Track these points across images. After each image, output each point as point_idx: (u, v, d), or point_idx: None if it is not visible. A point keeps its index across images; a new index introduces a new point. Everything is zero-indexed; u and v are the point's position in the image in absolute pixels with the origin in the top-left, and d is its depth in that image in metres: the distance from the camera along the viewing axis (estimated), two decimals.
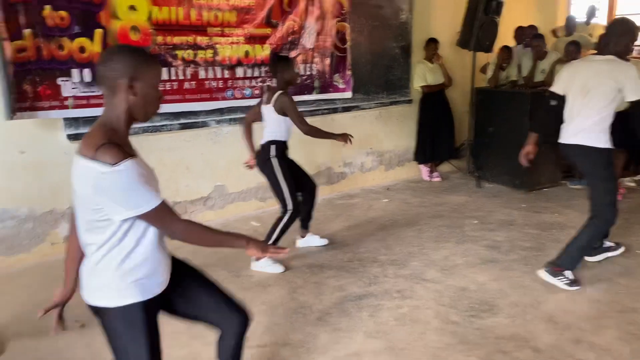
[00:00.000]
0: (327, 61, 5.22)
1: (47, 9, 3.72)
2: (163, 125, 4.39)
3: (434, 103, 6.07)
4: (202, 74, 4.49)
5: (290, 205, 3.71)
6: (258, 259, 3.68)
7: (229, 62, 4.61)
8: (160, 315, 1.84)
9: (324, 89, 5.27)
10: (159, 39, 4.22)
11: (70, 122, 3.99)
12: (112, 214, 1.59)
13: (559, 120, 3.48)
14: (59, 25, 3.79)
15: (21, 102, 3.72)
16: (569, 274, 3.34)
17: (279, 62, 3.72)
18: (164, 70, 4.23)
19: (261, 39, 4.75)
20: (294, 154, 3.88)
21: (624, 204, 4.83)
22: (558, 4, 8.00)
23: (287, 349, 2.78)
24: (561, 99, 3.45)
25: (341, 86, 5.38)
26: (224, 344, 2.06)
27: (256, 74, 4.78)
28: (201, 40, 4.43)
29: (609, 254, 3.77)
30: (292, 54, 4.90)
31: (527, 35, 6.27)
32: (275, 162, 3.69)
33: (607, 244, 3.79)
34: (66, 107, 3.90)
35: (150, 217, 1.61)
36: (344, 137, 3.74)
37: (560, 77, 3.51)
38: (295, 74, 3.81)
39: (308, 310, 3.17)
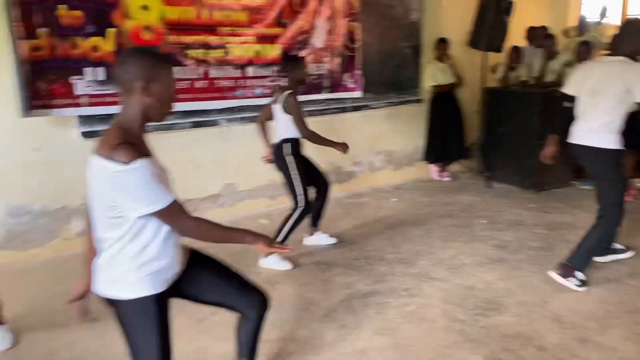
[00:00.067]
0: (337, 61, 5.25)
1: (62, 9, 3.79)
2: (174, 124, 4.45)
3: (444, 103, 6.08)
4: (213, 73, 4.54)
5: (301, 202, 3.77)
6: (266, 255, 3.73)
7: (240, 61, 4.66)
8: (180, 304, 1.93)
9: (333, 89, 5.30)
10: (171, 38, 4.28)
11: (84, 119, 4.06)
12: (127, 211, 1.65)
13: (571, 121, 3.49)
14: (73, 24, 3.86)
15: (36, 100, 3.79)
16: (579, 274, 3.35)
17: (289, 61, 3.77)
18: (176, 69, 4.29)
19: (272, 39, 4.79)
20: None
21: (635, 205, 4.82)
22: (570, 4, 7.95)
23: (293, 344, 2.82)
24: (574, 100, 3.45)
25: (351, 85, 5.40)
26: (244, 326, 2.13)
27: (266, 73, 4.82)
28: (212, 39, 4.48)
29: (618, 257, 3.76)
30: (302, 53, 4.94)
31: (538, 36, 6.25)
32: (289, 159, 3.74)
33: (617, 246, 3.78)
34: (80, 105, 3.98)
35: (162, 215, 1.66)
36: (343, 147, 3.79)
37: (572, 78, 3.51)
38: (306, 74, 3.85)
39: (315, 307, 3.21)
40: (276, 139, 3.80)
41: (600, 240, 3.38)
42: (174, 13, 4.27)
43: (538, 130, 5.37)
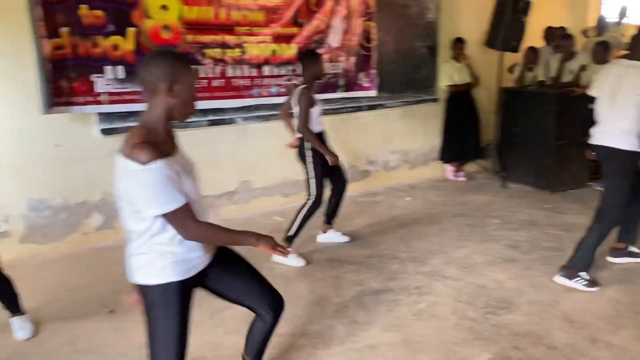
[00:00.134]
0: (353, 60, 5.29)
1: (84, 8, 3.88)
2: (192, 122, 4.52)
3: (460, 102, 6.07)
4: (230, 72, 4.61)
5: (312, 196, 3.84)
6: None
7: (257, 60, 4.72)
8: (200, 294, 1.99)
9: (349, 88, 5.34)
10: (189, 37, 4.35)
11: (104, 117, 4.16)
12: (141, 209, 1.71)
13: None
14: (94, 24, 3.95)
15: (57, 97, 3.89)
16: (584, 274, 3.35)
17: (306, 57, 3.84)
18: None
19: (288, 38, 4.85)
20: None
21: None
22: (589, 4, 7.88)
23: (304, 339, 2.87)
24: None
25: (366, 85, 5.43)
26: (256, 327, 2.20)
27: (282, 72, 4.88)
28: (230, 39, 4.55)
29: (632, 260, 3.74)
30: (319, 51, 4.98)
31: (556, 36, 6.21)
32: (308, 153, 3.82)
33: (633, 249, 3.76)
34: (100, 103, 4.07)
35: (169, 217, 1.73)
36: (333, 158, 3.79)
37: (596, 80, 3.53)
38: (323, 70, 3.91)
39: (326, 303, 3.25)
40: (298, 133, 3.87)
41: (599, 239, 3.37)
42: (193, 13, 4.34)
43: (554, 130, 5.35)
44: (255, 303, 2.12)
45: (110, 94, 4.10)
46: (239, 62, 4.63)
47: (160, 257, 1.80)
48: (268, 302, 2.12)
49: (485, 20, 5.73)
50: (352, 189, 5.55)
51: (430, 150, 6.27)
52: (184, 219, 1.74)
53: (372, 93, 5.50)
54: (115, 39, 4.05)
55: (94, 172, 4.20)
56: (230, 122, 4.77)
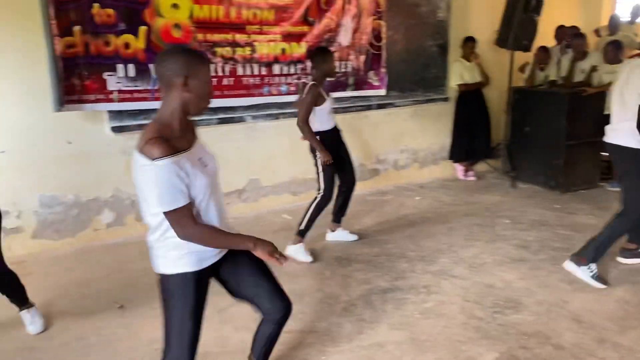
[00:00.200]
0: (362, 58, 5.29)
1: (96, 7, 3.92)
2: (202, 120, 4.53)
3: (470, 102, 6.05)
4: (240, 70, 4.63)
5: (322, 190, 3.87)
6: (293, 244, 3.85)
7: (266, 59, 4.74)
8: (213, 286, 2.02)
9: (358, 86, 5.35)
10: (200, 36, 4.38)
11: (114, 115, 4.19)
12: (149, 204, 1.74)
13: None
14: (106, 22, 3.99)
15: (69, 95, 3.94)
16: (593, 266, 3.35)
17: (317, 54, 3.85)
18: None
19: (298, 37, 4.86)
20: None
21: None
22: (603, 2, 7.81)
23: (312, 336, 2.88)
24: None
25: (375, 83, 5.43)
26: (262, 329, 2.21)
27: (292, 71, 4.89)
28: (240, 37, 4.57)
29: None
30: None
31: (567, 35, 6.16)
32: None
33: None
34: (111, 101, 4.11)
35: (168, 215, 1.74)
36: (325, 156, 3.77)
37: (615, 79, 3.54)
38: (333, 67, 3.92)
39: (334, 301, 3.26)
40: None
41: (613, 233, 3.38)
42: (203, 11, 4.37)
43: (565, 130, 5.32)
44: (263, 303, 2.12)
45: (121, 92, 4.14)
46: (249, 60, 4.66)
47: (175, 249, 1.82)
48: (275, 305, 2.12)
49: (496, 19, 5.70)
50: (361, 188, 5.56)
51: (440, 150, 6.25)
52: (182, 219, 1.75)
53: (381, 92, 5.50)
54: (127, 37, 4.09)
55: (104, 169, 4.25)
56: (239, 120, 4.79)
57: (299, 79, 4.91)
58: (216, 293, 2.09)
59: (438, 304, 3.21)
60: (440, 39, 5.91)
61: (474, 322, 2.98)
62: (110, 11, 3.99)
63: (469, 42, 5.89)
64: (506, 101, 5.96)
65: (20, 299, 2.97)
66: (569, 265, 3.45)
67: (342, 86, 5.24)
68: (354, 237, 4.25)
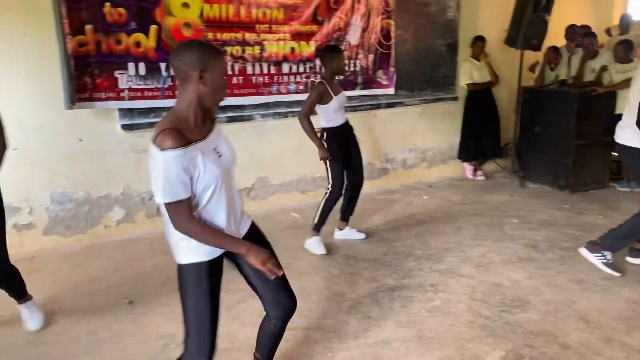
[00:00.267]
0: (371, 57, 5.30)
1: (107, 6, 3.97)
2: None
3: (480, 101, 6.03)
4: (249, 69, 4.66)
5: (330, 186, 3.92)
6: (310, 237, 3.97)
7: (275, 58, 4.77)
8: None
9: (367, 85, 5.36)
10: (210, 35, 4.42)
11: (125, 112, 4.24)
12: (154, 192, 1.77)
13: None
14: (117, 21, 4.03)
15: (81, 92, 3.98)
16: (608, 255, 3.36)
17: (327, 51, 3.88)
18: None
19: (307, 36, 4.88)
20: None
21: None
22: (614, 2, 7.76)
23: (318, 333, 2.90)
24: None
25: (384, 82, 5.44)
26: (265, 327, 2.23)
27: (301, 69, 4.91)
28: (249, 36, 4.60)
29: None
30: None
31: (578, 34, 6.13)
32: (326, 145, 3.88)
33: None
34: (122, 99, 4.16)
35: (168, 207, 1.77)
36: (323, 153, 3.81)
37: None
38: (343, 65, 3.94)
39: (341, 299, 3.28)
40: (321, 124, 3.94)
41: (634, 228, 3.38)
42: (213, 10, 4.40)
43: (575, 130, 5.30)
44: (267, 295, 2.13)
45: (132, 90, 4.18)
46: (258, 59, 4.68)
47: (183, 239, 1.85)
48: (279, 300, 2.14)
49: (506, 18, 5.68)
50: (369, 187, 5.59)
51: (449, 149, 6.25)
52: (180, 213, 1.77)
53: (390, 91, 5.50)
54: (138, 36, 4.13)
55: (115, 166, 4.30)
56: (248, 118, 4.82)
57: (307, 77, 4.93)
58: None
59: (445, 302, 3.22)
60: (449, 38, 5.91)
61: (480, 320, 2.98)
62: (122, 10, 4.03)
63: (479, 41, 5.88)
64: (516, 100, 5.94)
65: (19, 293, 2.98)
66: (584, 252, 3.50)
67: (351, 85, 5.25)
68: (362, 236, 4.27)
